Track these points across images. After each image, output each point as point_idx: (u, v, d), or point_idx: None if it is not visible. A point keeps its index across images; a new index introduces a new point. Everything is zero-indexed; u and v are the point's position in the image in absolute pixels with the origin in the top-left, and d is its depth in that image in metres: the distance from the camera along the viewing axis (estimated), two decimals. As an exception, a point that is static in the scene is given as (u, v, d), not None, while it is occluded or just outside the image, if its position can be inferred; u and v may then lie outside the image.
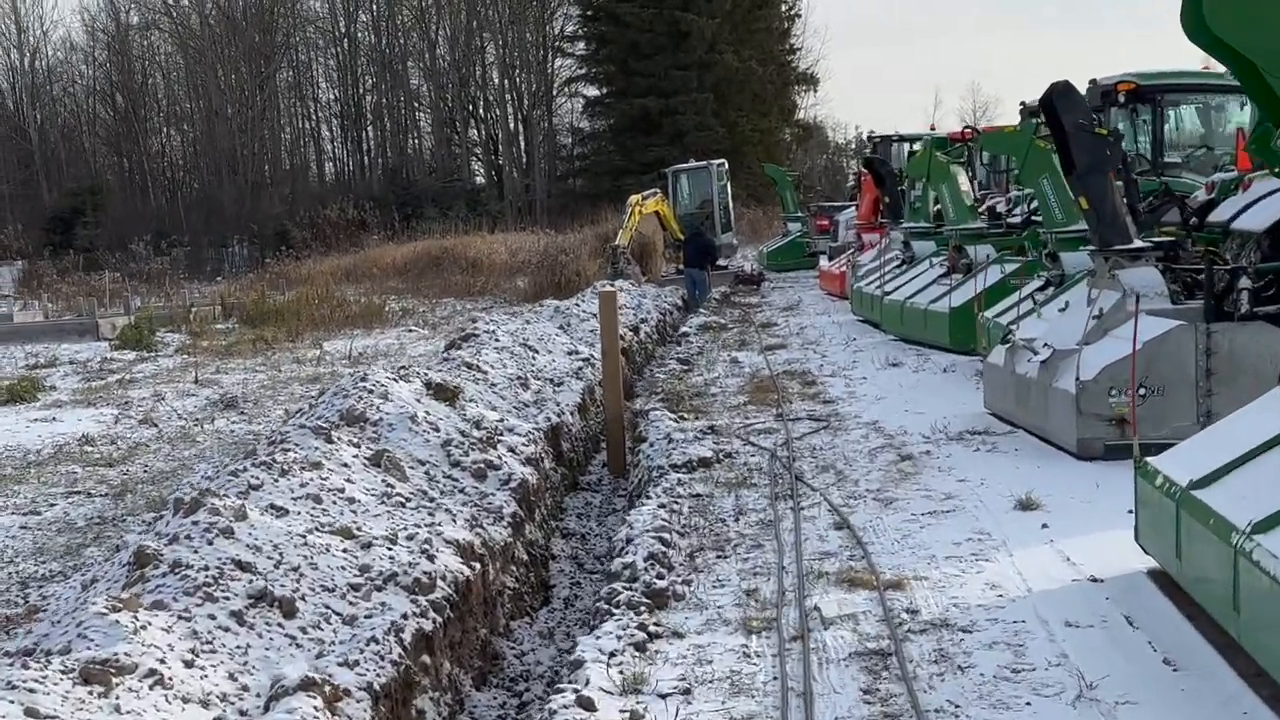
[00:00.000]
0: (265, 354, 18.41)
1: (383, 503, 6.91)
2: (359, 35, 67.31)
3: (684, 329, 18.21)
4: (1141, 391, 7.88)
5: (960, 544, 6.28)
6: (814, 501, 7.43)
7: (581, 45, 61.34)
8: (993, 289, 12.69)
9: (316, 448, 7.19)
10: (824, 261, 25.74)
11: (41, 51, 66.58)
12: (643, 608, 5.54)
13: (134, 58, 65.86)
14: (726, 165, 30.47)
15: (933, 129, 22.19)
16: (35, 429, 12.13)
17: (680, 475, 8.36)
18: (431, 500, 7.21)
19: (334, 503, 6.59)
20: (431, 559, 6.26)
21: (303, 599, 5.41)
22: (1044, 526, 6.47)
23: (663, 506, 7.34)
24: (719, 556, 6.46)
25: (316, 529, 6.19)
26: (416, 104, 67.56)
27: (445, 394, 9.62)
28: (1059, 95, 8.78)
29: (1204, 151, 14.02)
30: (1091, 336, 8.36)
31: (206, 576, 5.15)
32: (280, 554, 5.68)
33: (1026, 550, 6.10)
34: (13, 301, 31.11)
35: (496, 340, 13.97)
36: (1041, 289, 11.80)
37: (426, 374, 10.46)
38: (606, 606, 5.57)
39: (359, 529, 6.36)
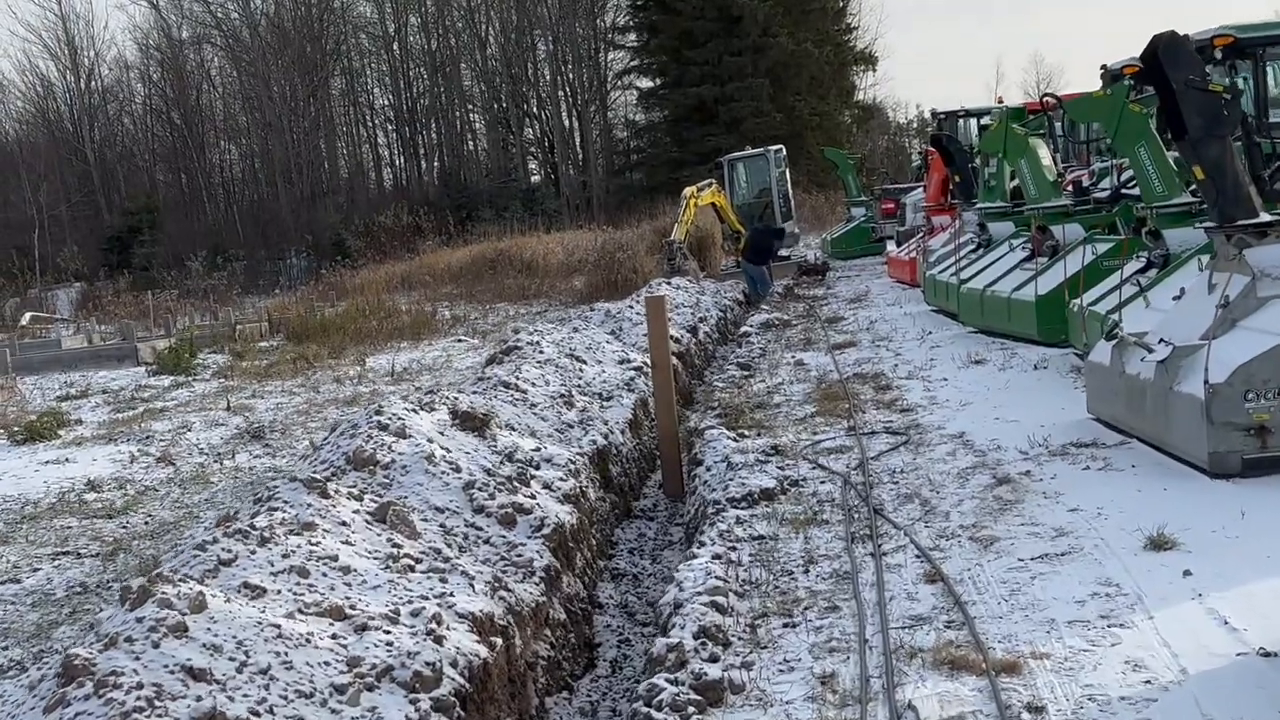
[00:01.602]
0: (306, 374, 17.53)
1: (386, 568, 5.85)
2: (409, 39, 66.86)
3: (745, 328, 17.03)
4: (1285, 394, 6.62)
5: (1084, 602, 5.08)
6: (898, 544, 6.25)
7: (633, 37, 60.25)
8: (1084, 272, 11.37)
9: (309, 505, 6.14)
10: (891, 247, 24.39)
11: (96, 72, 66.93)
12: (691, 709, 4.42)
13: (188, 73, 65.89)
14: (784, 151, 29.18)
15: (999, 101, 20.72)
16: (44, 472, 11.26)
17: (739, 512, 7.23)
18: (446, 560, 6.14)
19: (324, 575, 5.54)
20: (440, 641, 5.19)
21: (269, 713, 4.37)
22: (1186, 574, 5.24)
23: (718, 558, 6.20)
24: (786, 625, 5.32)
25: (299, 612, 5.14)
26: (470, 105, 66.96)
27: (473, 423, 8.57)
28: (1165, 48, 7.50)
29: (1313, 111, 12.60)
30: (1218, 329, 7.09)
31: (139, 698, 4.11)
32: (246, 653, 4.64)
33: (1170, 609, 4.89)
34: (64, 327, 30.66)
35: (541, 352, 12.94)
36: (1143, 271, 10.50)
37: (456, 399, 9.42)
38: (646, 710, 4.45)
39: (353, 607, 5.30)
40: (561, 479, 8.08)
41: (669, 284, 21.31)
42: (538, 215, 49.20)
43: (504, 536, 6.87)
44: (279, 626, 4.88)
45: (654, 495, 10.73)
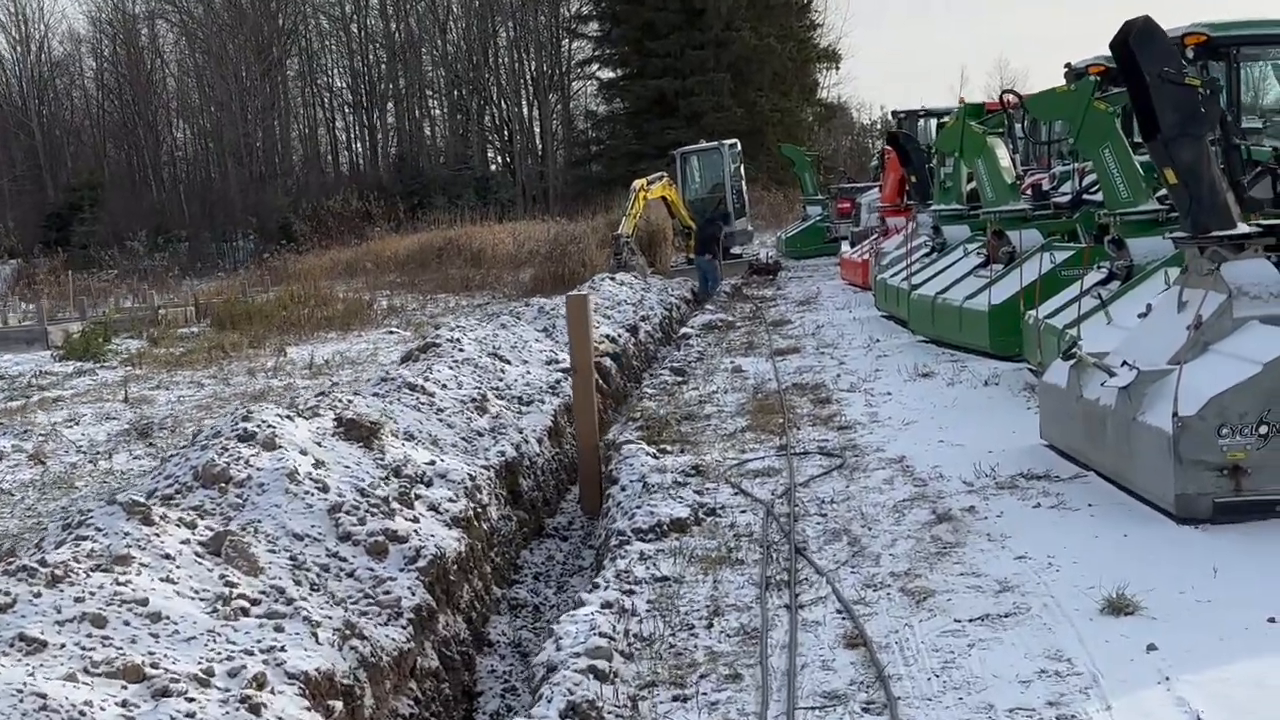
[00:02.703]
0: (220, 363, 16.50)
1: (213, 613, 4.94)
2: (369, 21, 65.51)
3: (685, 329, 16.17)
4: (1263, 430, 5.83)
5: (1030, 682, 4.25)
6: (819, 593, 5.40)
7: (594, 26, 59.28)
8: (1042, 282, 10.58)
9: (126, 534, 5.21)
10: (846, 248, 23.61)
11: (46, 45, 65.09)
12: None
13: (140, 49, 64.20)
14: (739, 146, 28.30)
15: (961, 102, 19.98)
16: (-99, 472, 10.26)
17: (645, 546, 6.36)
18: (289, 602, 5.23)
19: (126, 624, 4.61)
20: (257, 711, 4.28)
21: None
22: (1151, 649, 4.42)
23: (608, 607, 5.33)
24: (676, 698, 4.45)
25: (83, 672, 4.22)
26: (429, 91, 65.71)
27: (359, 433, 7.65)
28: (1138, 35, 6.69)
29: (1287, 115, 11.90)
30: (1189, 353, 6.29)
31: None
32: (-8, 733, 3.73)
33: (1131, 697, 4.06)
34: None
35: (460, 350, 12.02)
36: (1104, 282, 9.74)
37: (350, 402, 8.50)
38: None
39: (156, 665, 4.39)
40: (452, 499, 7.18)
41: (613, 279, 20.42)
42: (490, 204, 48.12)
43: (371, 570, 5.97)
44: (45, 696, 3.96)
45: (572, 510, 9.87)
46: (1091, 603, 4.89)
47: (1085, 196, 12.05)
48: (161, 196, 58.65)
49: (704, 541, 6.36)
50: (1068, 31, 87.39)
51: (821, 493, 7.13)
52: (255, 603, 5.15)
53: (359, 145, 67.74)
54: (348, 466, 7.11)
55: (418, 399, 9.60)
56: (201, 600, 5.02)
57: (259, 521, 5.98)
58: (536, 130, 62.89)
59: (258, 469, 6.35)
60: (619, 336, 15.33)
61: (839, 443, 8.47)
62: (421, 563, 6.13)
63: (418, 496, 6.97)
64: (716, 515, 6.83)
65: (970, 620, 4.88)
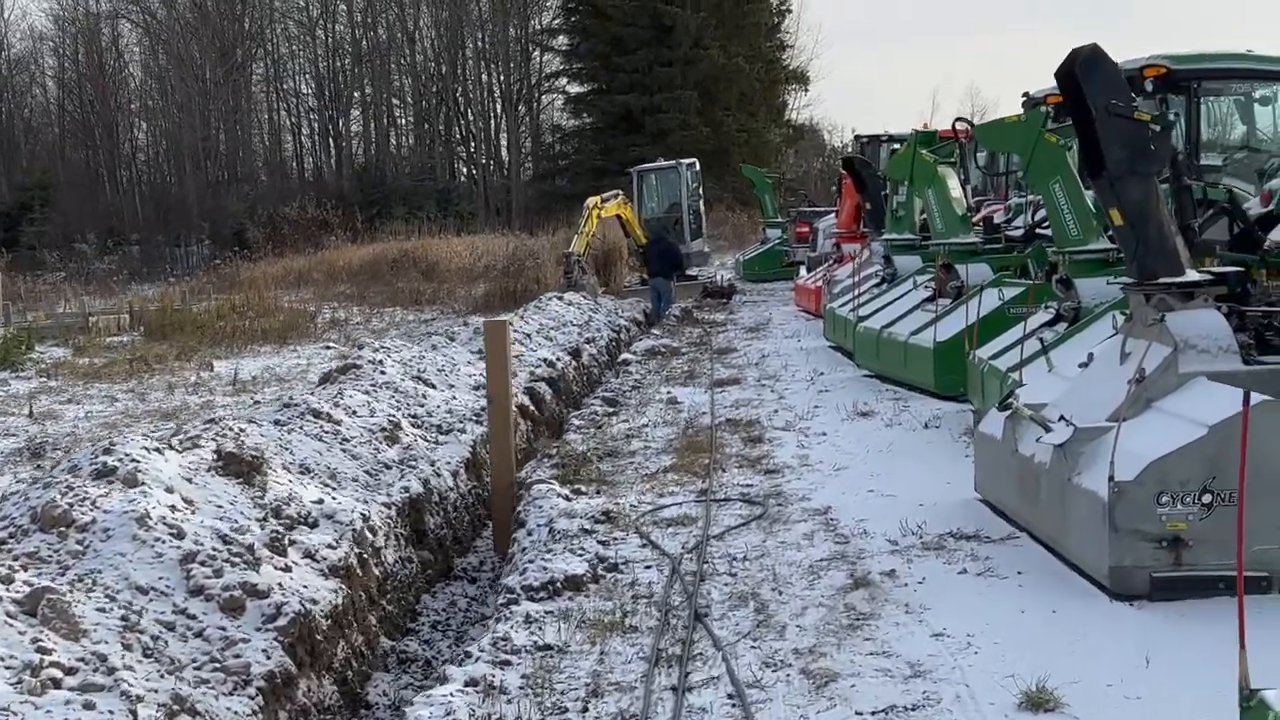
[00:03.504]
0: (141, 376, 15.81)
1: (16, 684, 4.34)
2: (337, 28, 64.85)
3: (625, 355, 15.61)
4: (1207, 499, 5.33)
5: (930, 799, 3.71)
6: (712, 672, 4.85)
7: (563, 39, 58.84)
8: (988, 320, 10.11)
9: (-78, 591, 4.60)
10: (802, 273, 23.15)
11: (4, 42, 63.90)
12: None
13: (102, 49, 63.15)
14: (698, 165, 27.83)
15: (924, 128, 19.58)
16: None
17: (534, 606, 5.79)
18: (111, 671, 4.63)
19: (-101, 703, 4.02)
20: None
21: None
22: (1069, 759, 3.89)
23: (473, 685, 4.76)
24: (529, 806, 3.89)
25: None
26: (396, 100, 65.03)
27: (239, 467, 7.04)
28: (1084, 64, 6.21)
29: (1245, 154, 11.49)
30: (1130, 410, 5.80)
31: None
32: None
33: (1042, 822, 3.53)
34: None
35: (382, 373, 11.43)
36: (1050, 324, 9.27)
37: (240, 431, 7.89)
38: None
39: (-75, 754, 3.80)
40: (332, 544, 6.59)
41: (560, 299, 19.89)
42: (450, 216, 47.48)
43: (223, 630, 5.37)
44: None
45: (487, 549, 9.29)
46: (1009, 695, 4.36)
47: (1038, 231, 11.63)
48: (117, 198, 57.59)
49: (600, 603, 5.79)
50: (1041, 60, 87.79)
51: (736, 547, 6.59)
52: (71, 672, 4.55)
53: (323, 153, 66.94)
54: (220, 506, 6.51)
55: (321, 427, 9.00)
56: (6, 669, 4.42)
57: (99, 572, 5.37)
58: (503, 142, 62.40)
59: (104, 511, 5.73)
60: (557, 361, 14.77)
61: (764, 489, 7.93)
62: (282, 620, 5.54)
63: (292, 542, 6.38)
64: (618, 571, 6.27)
65: (873, 713, 4.34)
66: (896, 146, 23.09)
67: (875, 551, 6.31)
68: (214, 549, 5.78)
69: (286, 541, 6.32)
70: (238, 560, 5.79)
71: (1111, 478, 5.37)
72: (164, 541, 5.65)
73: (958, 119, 12.03)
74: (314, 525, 6.89)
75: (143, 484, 6.22)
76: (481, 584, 8.61)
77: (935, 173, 12.16)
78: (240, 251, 42.08)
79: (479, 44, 62.18)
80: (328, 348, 19.53)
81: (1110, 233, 9.28)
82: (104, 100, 61.19)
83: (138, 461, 6.41)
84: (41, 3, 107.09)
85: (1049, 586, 5.61)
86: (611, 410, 11.36)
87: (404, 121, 66.15)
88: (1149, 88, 10.91)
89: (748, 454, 9.05)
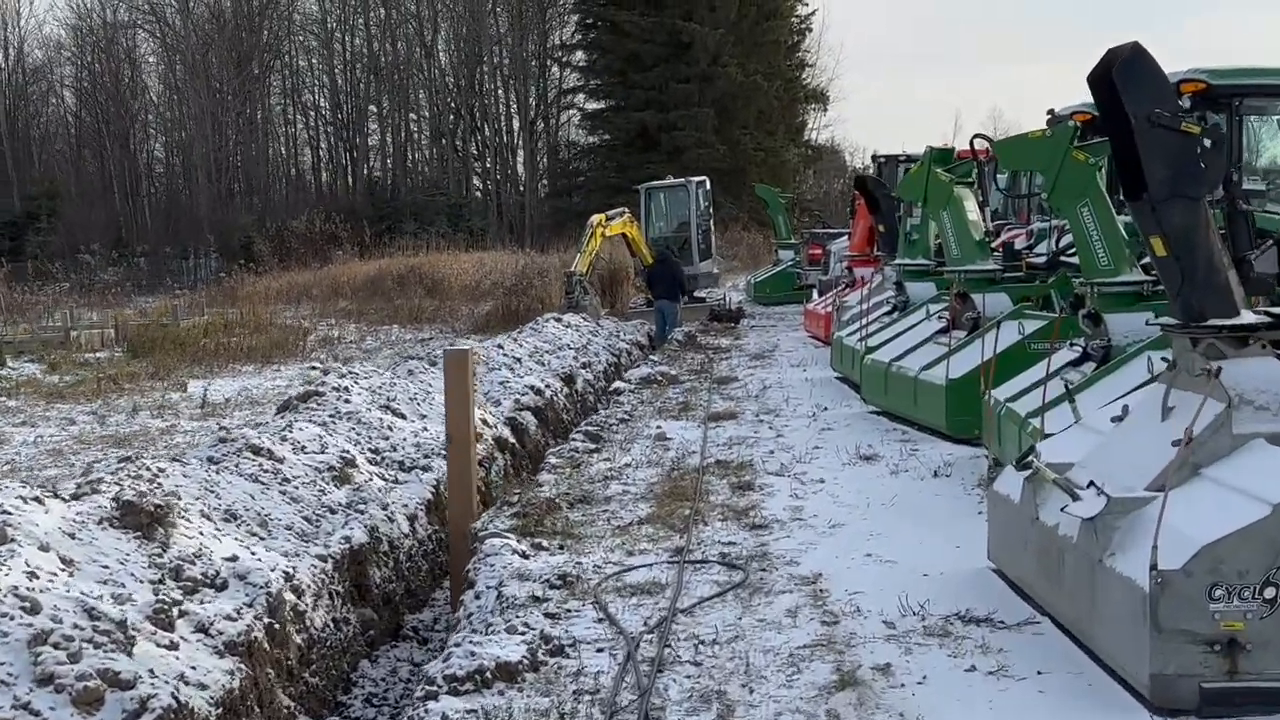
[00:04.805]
0: (107, 397, 14.95)
1: None
2: (355, 41, 64.36)
3: (617, 383, 14.67)
4: (1270, 593, 4.37)
5: None
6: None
7: (580, 55, 58.17)
8: (1006, 356, 9.14)
9: None
10: (814, 296, 22.19)
11: (22, 51, 63.63)
12: None
13: (117, 59, 62.75)
14: (709, 184, 26.90)
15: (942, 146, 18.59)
16: None
17: (455, 704, 4.84)
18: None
19: None
20: None
21: None
22: None
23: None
24: None
25: None
26: (413, 115, 64.47)
27: (138, 520, 6.12)
28: (1123, 67, 5.27)
29: (1293, 178, 10.55)
30: (1176, 477, 4.83)
31: None
32: None
33: None
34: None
35: (346, 401, 10.56)
36: (1076, 364, 8.31)
37: (157, 474, 6.99)
38: None
39: None
40: (233, 614, 5.65)
41: (558, 321, 18.99)
42: (461, 232, 46.75)
43: (70, 731, 4.44)
44: None
45: (446, 602, 8.35)
46: None
47: (1062, 258, 10.67)
48: (126, 209, 57.05)
49: (535, 699, 4.84)
50: (1063, 84, 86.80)
51: (706, 626, 5.63)
52: None
53: (338, 166, 66.38)
54: (106, 568, 5.60)
55: (260, 466, 8.10)
56: None
57: (-78, 659, 4.46)
58: (519, 158, 61.75)
59: (-53, 580, 4.82)
60: (546, 389, 13.85)
61: (749, 548, 6.97)
62: (148, 717, 4.62)
63: (183, 613, 5.45)
64: (564, 655, 5.31)
65: None
66: (913, 167, 22.17)
67: (869, 636, 5.35)
68: (75, 626, 4.85)
69: (176, 613, 5.39)
70: (104, 640, 4.86)
71: (1154, 566, 4.40)
72: (11, 617, 4.73)
73: (976, 135, 11.09)
74: (221, 588, 5.97)
75: (12, 540, 5.32)
76: (433, 645, 7.69)
77: (951, 194, 11.20)
78: (246, 265, 41.44)
79: (497, 59, 61.55)
80: (313, 368, 18.65)
81: (1144, 261, 8.32)
82: (119, 110, 60.74)
83: (9, 514, 5.51)
84: (59, 11, 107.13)
85: (1075, 693, 4.64)
86: (594, 447, 10.41)
87: (420, 136, 65.61)
88: (1186, 104, 9.91)
89: (735, 504, 8.09)
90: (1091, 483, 5.12)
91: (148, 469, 7.09)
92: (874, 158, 27.53)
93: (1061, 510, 5.23)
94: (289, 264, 41.06)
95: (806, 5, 56.16)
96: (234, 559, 6.26)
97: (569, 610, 5.92)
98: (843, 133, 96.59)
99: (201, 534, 6.41)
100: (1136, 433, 5.51)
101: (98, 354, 19.52)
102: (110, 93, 61.24)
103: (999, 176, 13.72)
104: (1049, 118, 11.16)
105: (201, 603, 5.72)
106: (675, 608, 5.87)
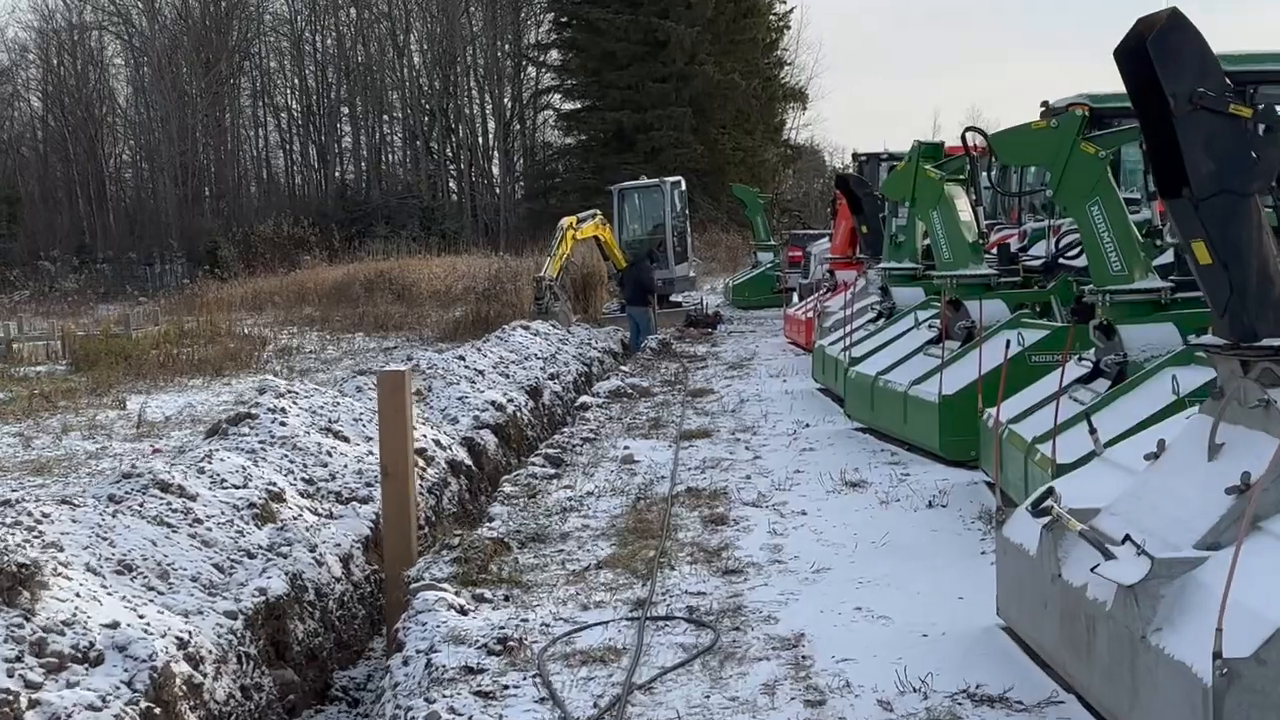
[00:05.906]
0: (38, 416, 13.97)
1: None
2: (327, 43, 63.32)
3: (584, 398, 13.76)
4: (1367, 687, 3.48)
5: None
6: None
7: (555, 54, 57.25)
8: (1006, 369, 8.24)
9: None
10: (795, 300, 21.32)
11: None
12: None
13: (84, 62, 61.50)
14: (684, 185, 26.03)
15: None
16: None
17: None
18: None
19: None
20: None
21: None
22: None
23: None
24: None
25: None
26: (386, 116, 63.40)
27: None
28: (1159, 38, 4.39)
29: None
30: (1231, 532, 3.95)
31: None
32: None
33: None
34: None
35: (282, 425, 9.62)
36: (1086, 379, 7.44)
37: (40, 520, 6.05)
38: None
39: None
40: (99, 702, 4.71)
41: (526, 329, 18.08)
42: (434, 235, 45.78)
43: None
44: None
45: (383, 654, 7.42)
46: None
47: (1062, 260, 9.82)
48: (91, 215, 55.84)
49: (451, 816, 3.93)
50: (1044, 86, 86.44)
51: (668, 708, 4.73)
52: None
53: (309, 169, 65.25)
54: (-54, 645, 4.67)
55: (168, 505, 7.16)
56: None
57: None
58: (494, 160, 60.76)
59: None
60: (508, 404, 12.93)
61: (720, 599, 6.07)
62: None
63: (35, 703, 4.52)
64: (492, 753, 4.40)
65: None
66: (896, 165, 21.30)
67: (860, 722, 4.46)
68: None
69: (25, 703, 4.46)
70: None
71: (1218, 653, 3.51)
72: None
73: (968, 128, 10.20)
74: (95, 663, 5.05)
75: None
76: (366, 706, 6.77)
77: (942, 192, 10.34)
78: (212, 271, 40.44)
79: (471, 59, 60.57)
80: (268, 379, 17.63)
81: (1159, 263, 7.50)
82: (84, 114, 59.50)
83: None
84: (20, 14, 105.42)
85: (1118, 808, 3.74)
86: (554, 472, 9.50)
87: (393, 138, 64.59)
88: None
89: (706, 542, 7.19)
90: (1128, 537, 4.24)
91: (29, 514, 6.16)
92: (855, 156, 26.68)
93: (1092, 570, 4.34)
94: (255, 269, 40.03)
95: (785, 2, 55.37)
96: (114, 625, 5.32)
97: (506, 688, 5.00)
98: (822, 133, 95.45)
99: (78, 595, 5.46)
100: (1178, 475, 4.62)
101: (38, 368, 18.52)
102: (75, 96, 60.00)
103: (991, 171, 12.87)
104: (1043, 111, 10.28)
105: (68, 684, 4.80)
106: (631, 683, 4.96)
